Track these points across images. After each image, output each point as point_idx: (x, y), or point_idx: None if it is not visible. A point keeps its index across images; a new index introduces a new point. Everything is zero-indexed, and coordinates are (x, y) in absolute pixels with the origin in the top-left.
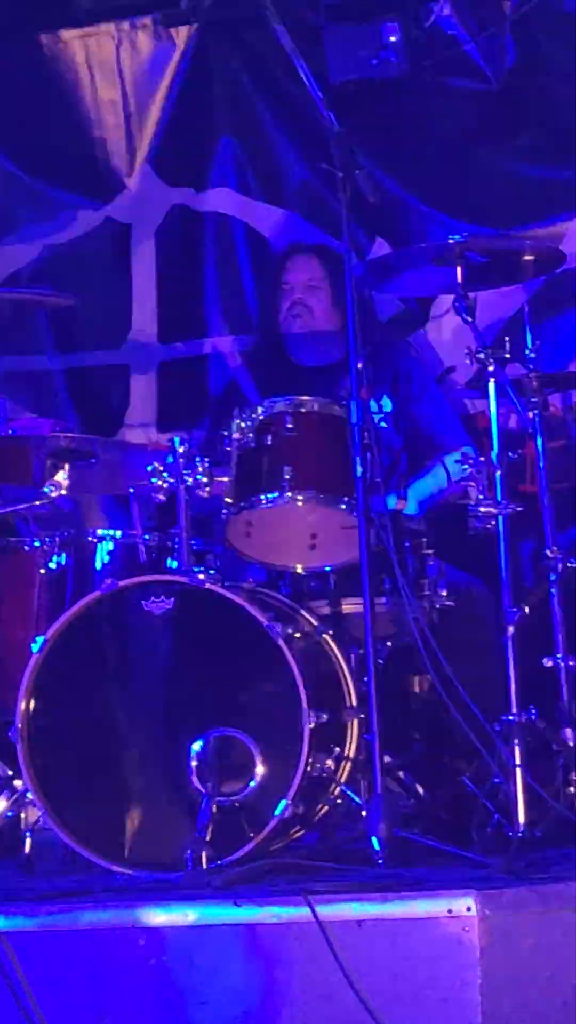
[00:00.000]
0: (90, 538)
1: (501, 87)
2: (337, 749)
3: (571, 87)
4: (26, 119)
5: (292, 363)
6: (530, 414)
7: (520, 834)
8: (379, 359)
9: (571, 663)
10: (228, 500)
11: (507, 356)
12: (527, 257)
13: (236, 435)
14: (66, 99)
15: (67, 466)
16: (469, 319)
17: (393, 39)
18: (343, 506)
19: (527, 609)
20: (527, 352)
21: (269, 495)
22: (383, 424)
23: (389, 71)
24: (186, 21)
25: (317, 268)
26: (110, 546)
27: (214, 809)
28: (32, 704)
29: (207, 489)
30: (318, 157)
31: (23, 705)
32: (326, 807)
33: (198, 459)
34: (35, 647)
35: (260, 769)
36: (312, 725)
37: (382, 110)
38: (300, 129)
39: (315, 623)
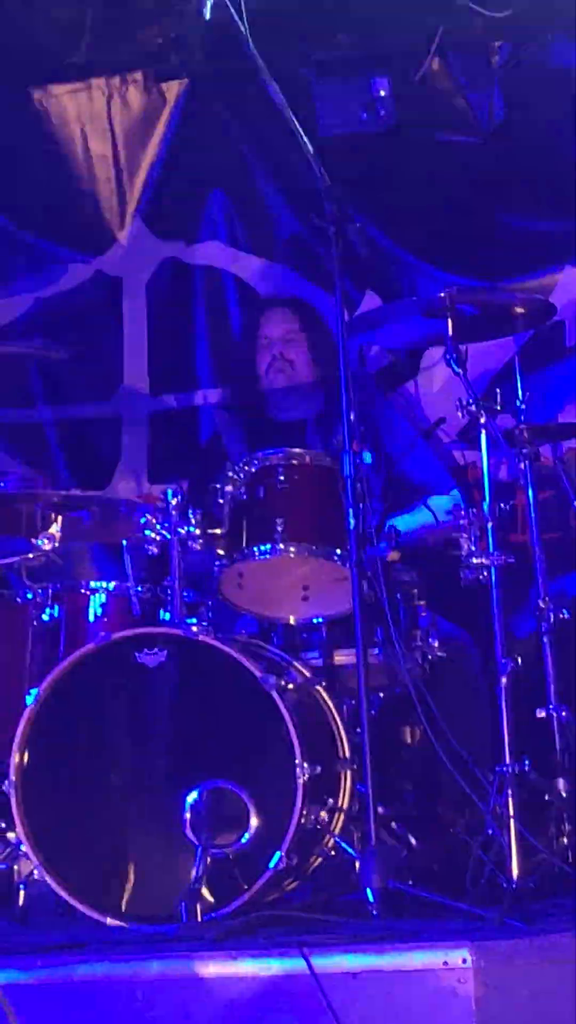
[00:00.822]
0: (83, 590)
1: (490, 141)
2: (331, 800)
3: (559, 140)
4: (17, 173)
5: (270, 418)
6: (521, 465)
7: (514, 885)
8: (363, 412)
9: (563, 714)
10: (221, 552)
11: (498, 408)
12: (517, 310)
13: (228, 487)
14: (57, 153)
15: (59, 519)
16: (460, 371)
17: (383, 93)
18: (335, 558)
19: (519, 660)
20: (518, 403)
21: (262, 547)
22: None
23: (379, 125)
24: (177, 76)
25: (293, 321)
26: (103, 598)
27: (208, 861)
28: (25, 757)
29: (200, 541)
30: (308, 210)
31: (16, 758)
32: (320, 859)
33: (191, 511)
34: (28, 700)
35: (254, 821)
36: (306, 777)
37: (372, 163)
38: (290, 182)
39: (308, 674)
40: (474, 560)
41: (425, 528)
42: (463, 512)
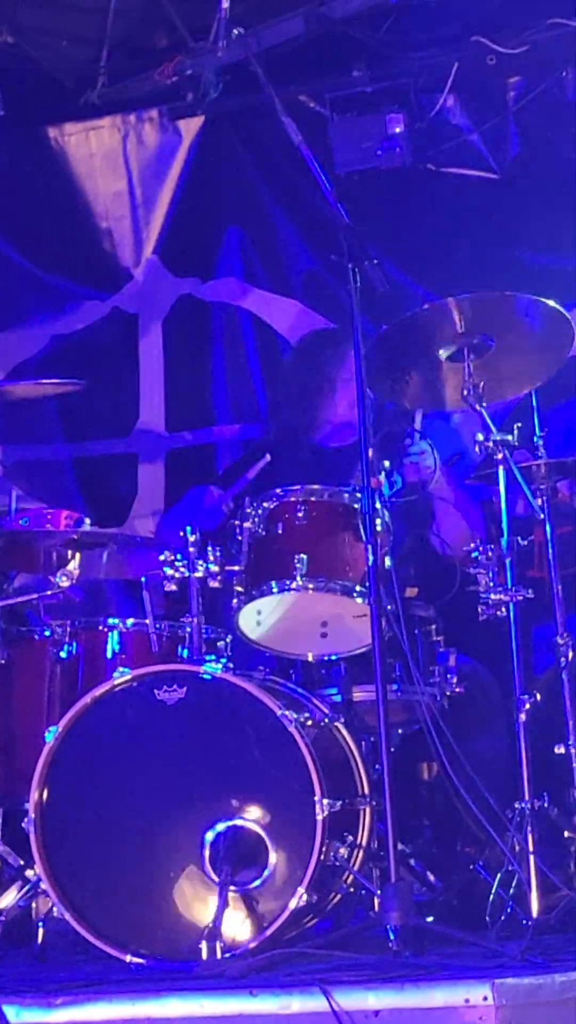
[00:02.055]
0: (101, 627)
1: (505, 176)
2: (350, 837)
3: (574, 175)
4: (34, 211)
5: (318, 446)
6: (539, 500)
7: (534, 921)
8: (392, 444)
9: None
10: (239, 589)
11: (515, 443)
12: None
13: (247, 524)
14: (73, 191)
15: (78, 555)
16: (477, 406)
17: (398, 130)
18: (354, 594)
19: (538, 696)
20: (535, 439)
21: (280, 583)
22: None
23: (394, 161)
24: (193, 113)
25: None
26: (121, 635)
27: (228, 898)
28: (45, 794)
29: (219, 578)
30: (324, 246)
31: (36, 795)
32: (339, 895)
33: (210, 548)
34: (48, 736)
35: (274, 858)
36: (325, 814)
37: (387, 200)
38: (306, 219)
39: (327, 711)
40: (492, 596)
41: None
42: (481, 547)
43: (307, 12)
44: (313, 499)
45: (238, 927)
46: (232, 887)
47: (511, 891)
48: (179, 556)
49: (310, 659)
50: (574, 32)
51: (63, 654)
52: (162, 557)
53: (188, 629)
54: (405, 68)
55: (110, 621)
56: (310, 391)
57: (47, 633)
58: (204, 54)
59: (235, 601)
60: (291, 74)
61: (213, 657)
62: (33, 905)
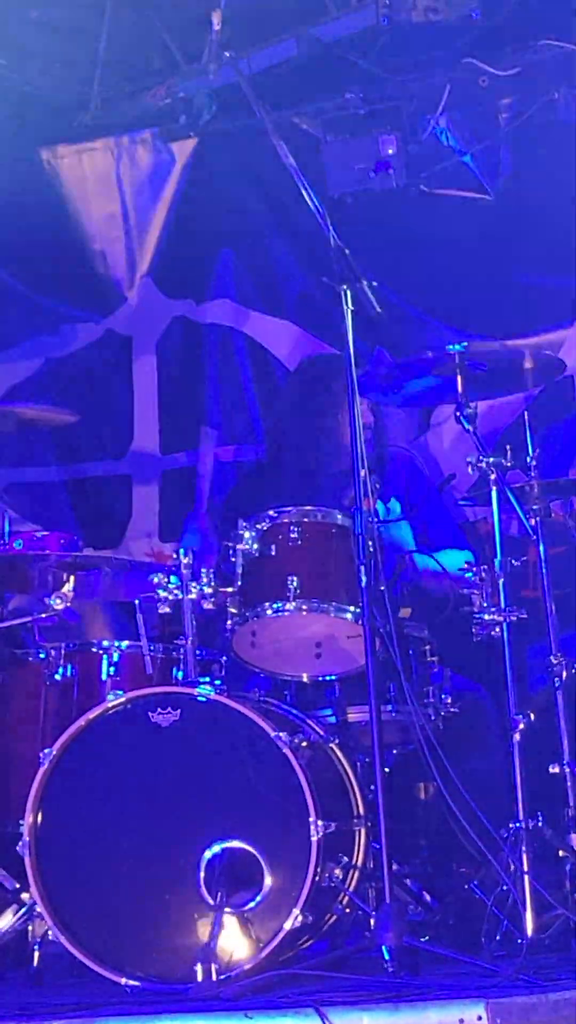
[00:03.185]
0: (95, 649)
1: (498, 196)
2: (345, 858)
3: (567, 195)
4: (27, 233)
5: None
6: (532, 521)
7: (529, 940)
8: (390, 463)
9: None
10: (233, 610)
11: (508, 464)
12: (527, 365)
13: (241, 545)
14: (67, 213)
15: (72, 578)
16: (470, 428)
17: (391, 151)
18: (348, 615)
19: (532, 716)
20: (528, 459)
21: (274, 605)
22: (387, 526)
23: (387, 183)
24: (186, 135)
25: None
26: (116, 657)
27: (223, 920)
28: (39, 817)
29: (212, 600)
30: (317, 268)
31: (30, 818)
32: (335, 916)
33: (203, 570)
34: (42, 759)
35: (268, 880)
36: (320, 835)
37: (380, 221)
38: (299, 240)
39: (321, 732)
40: (486, 616)
41: (433, 573)
42: (474, 568)
43: (300, 34)
44: (306, 520)
45: (233, 949)
46: (227, 909)
47: (506, 910)
48: (172, 578)
49: (305, 680)
50: (566, 54)
51: (57, 676)
52: (155, 579)
53: (182, 651)
54: (398, 90)
55: (105, 643)
56: (319, 414)
57: (41, 655)
58: (197, 76)
59: (229, 623)
60: (284, 96)
61: (207, 679)
62: (29, 928)
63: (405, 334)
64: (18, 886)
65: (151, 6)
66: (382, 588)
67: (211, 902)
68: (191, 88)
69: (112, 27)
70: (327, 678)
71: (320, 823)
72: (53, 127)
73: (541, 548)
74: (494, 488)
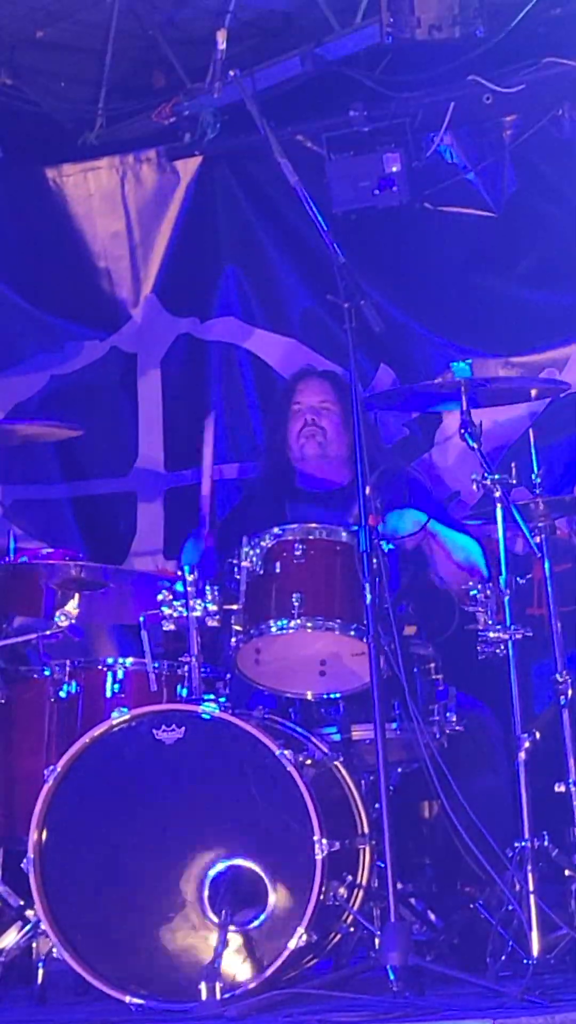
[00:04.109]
0: (100, 666)
1: (502, 214)
2: (350, 877)
3: (572, 213)
4: (32, 251)
5: (301, 489)
6: (537, 538)
7: (534, 960)
8: (389, 483)
9: None
10: (238, 628)
11: (513, 481)
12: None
13: (245, 563)
14: (72, 231)
15: (77, 595)
16: (475, 445)
17: (395, 169)
18: (353, 632)
19: (538, 735)
20: (533, 477)
21: (279, 622)
22: (390, 546)
23: (391, 200)
24: (190, 153)
25: (328, 391)
26: (120, 674)
27: (228, 938)
28: (44, 834)
29: (217, 617)
30: (321, 286)
31: (35, 836)
32: (339, 935)
33: (208, 587)
34: (47, 776)
35: (273, 898)
36: (324, 853)
37: (384, 238)
38: (303, 258)
39: (326, 750)
40: (491, 634)
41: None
42: (479, 585)
43: (304, 53)
44: (311, 537)
45: (237, 967)
46: (231, 927)
47: (511, 930)
48: (178, 586)
49: (309, 698)
50: (569, 71)
51: (62, 693)
52: (160, 596)
53: (187, 668)
54: (402, 107)
55: (109, 660)
56: (283, 430)
57: (46, 673)
58: (201, 95)
59: (233, 640)
60: (288, 114)
61: (212, 696)
62: (33, 946)
63: (409, 351)
64: (22, 903)
65: (156, 25)
66: (387, 606)
67: (215, 920)
68: (196, 106)
69: (117, 46)
70: (332, 696)
71: (325, 842)
72: (58, 146)
73: (546, 565)
74: (499, 505)
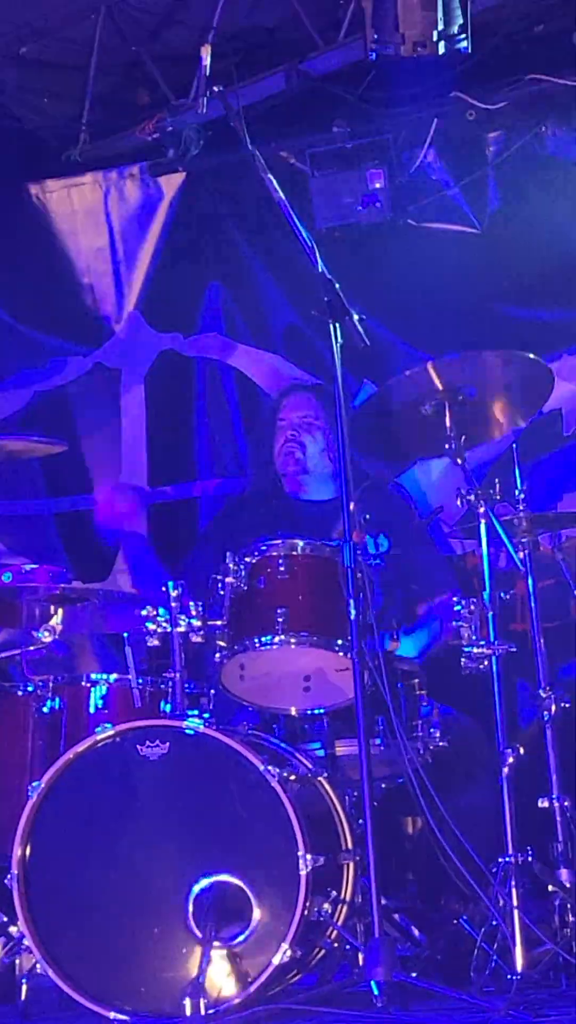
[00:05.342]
0: (84, 682)
1: (485, 230)
2: (334, 892)
3: (555, 229)
4: (16, 267)
5: (290, 500)
6: (521, 554)
7: (518, 976)
8: (373, 499)
9: (566, 803)
10: (222, 643)
11: (497, 497)
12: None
13: (229, 579)
14: (55, 247)
15: (61, 611)
16: (459, 461)
17: (378, 185)
18: (337, 648)
19: (522, 750)
20: (516, 492)
21: (263, 638)
22: (378, 562)
23: (374, 217)
24: (174, 169)
25: (312, 406)
26: (104, 690)
27: (212, 954)
28: (28, 850)
29: (201, 633)
30: (304, 301)
31: (19, 851)
32: (323, 951)
33: (192, 603)
34: (31, 792)
35: (257, 914)
36: (309, 869)
37: (368, 255)
38: (286, 274)
39: (310, 765)
40: (475, 649)
41: (435, 639)
42: (462, 601)
43: (288, 69)
44: (295, 553)
45: (222, 983)
46: (216, 943)
47: (495, 946)
48: (161, 610)
49: (293, 713)
50: (553, 88)
51: (46, 709)
52: (144, 612)
53: (171, 684)
54: (385, 124)
55: (93, 676)
56: (269, 445)
57: (30, 688)
58: (185, 111)
59: (217, 656)
60: (272, 130)
61: (196, 712)
62: (16, 961)
63: (392, 367)
64: (6, 919)
65: (140, 42)
66: (371, 622)
67: (199, 936)
68: (180, 123)
69: (101, 62)
70: (316, 711)
71: (309, 857)
72: (42, 162)
73: (530, 581)
74: (483, 521)
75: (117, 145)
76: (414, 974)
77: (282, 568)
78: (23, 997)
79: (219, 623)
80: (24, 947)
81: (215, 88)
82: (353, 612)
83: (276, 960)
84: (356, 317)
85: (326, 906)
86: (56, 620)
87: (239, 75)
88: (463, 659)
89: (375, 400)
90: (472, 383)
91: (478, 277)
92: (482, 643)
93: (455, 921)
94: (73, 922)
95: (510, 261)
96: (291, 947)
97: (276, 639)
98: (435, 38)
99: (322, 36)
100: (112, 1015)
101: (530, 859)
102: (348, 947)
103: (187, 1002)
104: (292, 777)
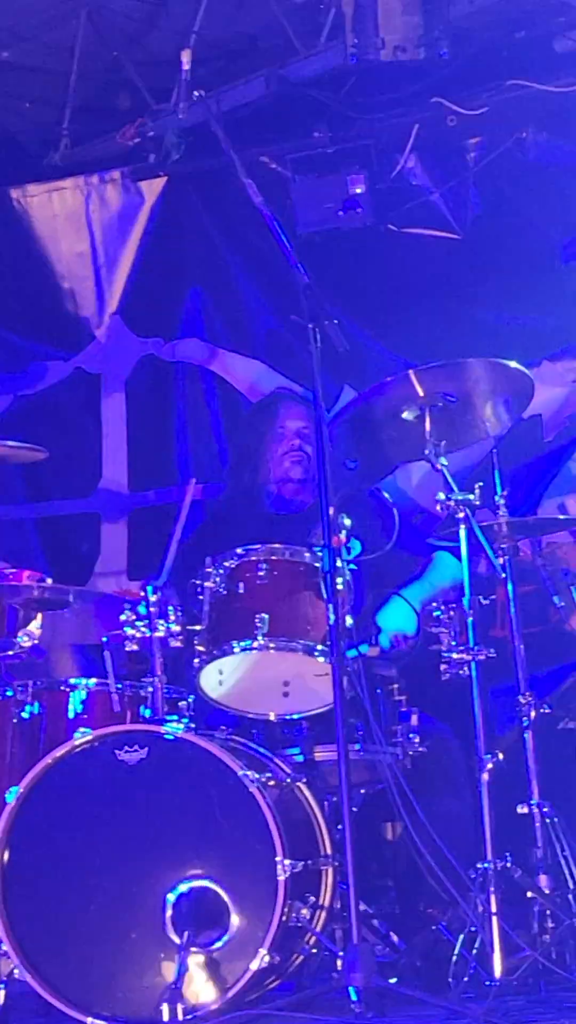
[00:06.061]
0: (63, 687)
1: (466, 236)
2: (312, 898)
3: (535, 235)
4: None
5: (271, 510)
6: (500, 559)
7: (497, 982)
8: (350, 504)
9: (545, 809)
10: (201, 648)
11: (477, 502)
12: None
13: (209, 583)
14: (36, 252)
15: (40, 615)
16: (439, 466)
17: (359, 190)
18: (316, 653)
19: (501, 756)
20: (496, 498)
21: (242, 643)
22: (355, 567)
23: (355, 222)
24: (155, 174)
25: (305, 416)
26: (83, 695)
27: (190, 960)
28: (6, 855)
29: (180, 638)
30: (285, 306)
31: None
32: (301, 957)
33: (171, 608)
34: (9, 797)
35: (235, 919)
36: (287, 874)
37: (348, 260)
38: (267, 279)
39: (289, 770)
40: (455, 655)
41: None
42: (442, 606)
43: (268, 74)
44: (274, 558)
45: (200, 989)
46: (193, 948)
47: (474, 952)
48: (141, 608)
49: (272, 718)
50: (534, 94)
51: (25, 714)
52: (123, 617)
53: (150, 689)
54: (366, 129)
55: (72, 681)
56: (262, 450)
57: (8, 693)
58: (166, 116)
59: (196, 661)
60: (252, 135)
61: (175, 717)
62: None
63: (373, 372)
64: None
65: (121, 46)
66: (350, 626)
67: (177, 942)
68: (161, 127)
69: (82, 67)
70: (295, 716)
71: (287, 862)
72: (23, 166)
73: (510, 587)
74: (463, 526)
75: (98, 150)
76: (393, 980)
77: (261, 573)
78: (1, 1002)
79: (198, 628)
80: (2, 952)
81: (196, 93)
82: (332, 617)
83: (254, 966)
84: (335, 321)
85: (304, 912)
86: (35, 625)
87: (220, 80)
88: (442, 664)
89: (356, 405)
90: (453, 389)
91: (459, 282)
92: (461, 648)
93: (434, 927)
94: (51, 927)
95: (491, 267)
96: (269, 953)
97: (255, 644)
98: (416, 43)
99: (303, 42)
100: (90, 1020)
101: (509, 865)
102: (326, 953)
103: (165, 1008)
104: (271, 782)
